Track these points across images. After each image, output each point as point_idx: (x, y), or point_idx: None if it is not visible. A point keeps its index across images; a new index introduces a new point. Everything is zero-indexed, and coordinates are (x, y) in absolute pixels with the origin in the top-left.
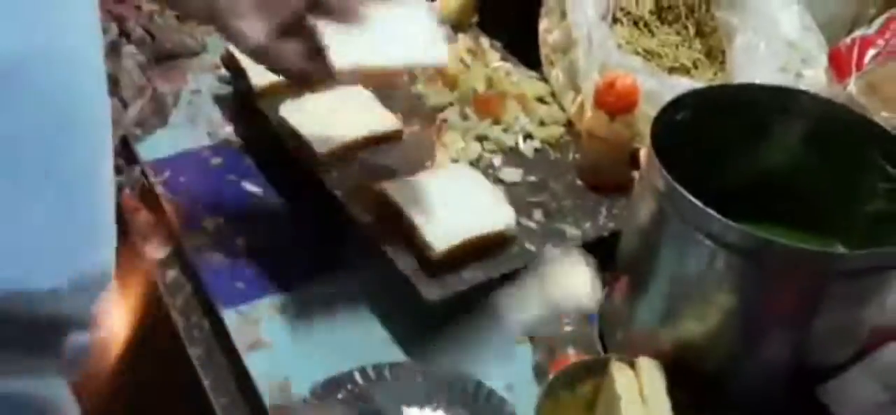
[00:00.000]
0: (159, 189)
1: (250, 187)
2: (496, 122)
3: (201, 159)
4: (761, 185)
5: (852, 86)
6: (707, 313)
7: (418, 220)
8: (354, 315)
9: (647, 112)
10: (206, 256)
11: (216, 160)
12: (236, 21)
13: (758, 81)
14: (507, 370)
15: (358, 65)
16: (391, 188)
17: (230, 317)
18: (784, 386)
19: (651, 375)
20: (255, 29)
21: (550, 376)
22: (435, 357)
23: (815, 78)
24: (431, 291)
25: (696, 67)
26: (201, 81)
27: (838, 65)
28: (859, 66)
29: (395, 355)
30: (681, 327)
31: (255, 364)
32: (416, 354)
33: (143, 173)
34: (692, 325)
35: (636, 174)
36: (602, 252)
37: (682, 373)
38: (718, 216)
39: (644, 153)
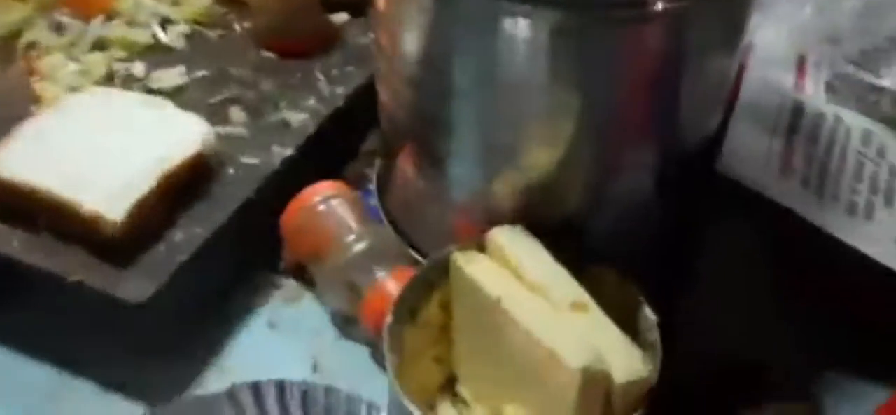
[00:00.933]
0: None
1: None
2: (109, 17)
3: None
4: None
5: None
6: (545, 123)
7: (66, 192)
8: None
9: None
10: None
11: None
12: None
13: None
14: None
15: None
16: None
17: None
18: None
19: (518, 244)
20: None
21: (372, 325)
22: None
23: None
24: (129, 290)
25: None
26: None
27: None
28: None
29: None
30: (517, 158)
31: None
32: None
33: None
34: (532, 150)
35: (337, 18)
36: (343, 133)
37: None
38: None
39: None
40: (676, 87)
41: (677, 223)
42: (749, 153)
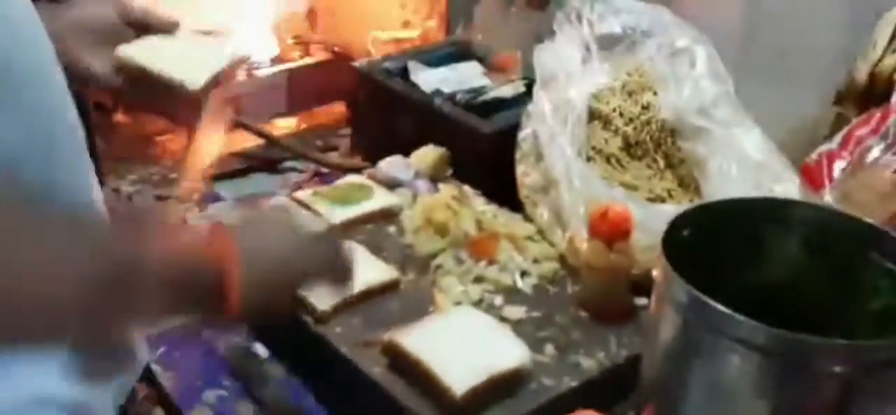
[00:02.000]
0: (154, 367)
1: (255, 349)
2: (491, 263)
3: (193, 332)
4: (762, 294)
5: (828, 196)
6: None
7: (434, 365)
8: None
9: (639, 239)
10: None
11: (208, 333)
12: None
13: None
14: None
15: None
16: (400, 337)
17: None
18: None
19: None
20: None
21: None
22: None
23: (789, 193)
24: None
25: (671, 196)
26: None
27: (811, 179)
28: (830, 179)
29: None
30: None
31: None
32: None
33: None
34: None
35: (639, 300)
36: (617, 383)
37: None
38: (747, 320)
39: (657, 273)
40: None
41: None
42: None
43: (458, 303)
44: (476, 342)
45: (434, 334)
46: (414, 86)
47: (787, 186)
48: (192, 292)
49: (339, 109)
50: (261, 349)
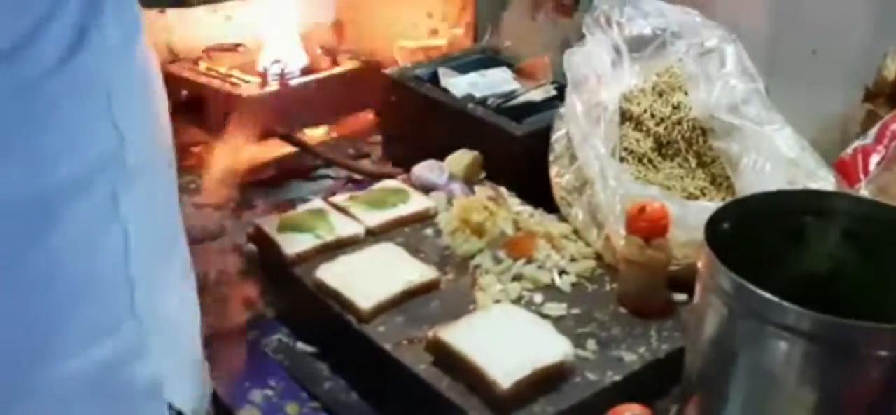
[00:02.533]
0: None
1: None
2: (529, 261)
3: (238, 336)
4: (803, 287)
5: (864, 190)
6: (793, 412)
7: (479, 359)
8: None
9: (676, 235)
10: None
11: (253, 334)
12: None
13: None
14: None
15: None
16: (444, 333)
17: None
18: None
19: None
20: None
21: None
22: None
23: (824, 188)
24: None
25: (704, 195)
26: (227, 262)
27: (846, 173)
28: (866, 173)
29: None
30: None
31: None
32: None
33: None
34: None
35: (677, 296)
36: (659, 377)
37: None
38: (793, 306)
39: (701, 263)
40: None
41: None
42: None
43: (498, 301)
44: (519, 337)
45: (477, 329)
46: (445, 91)
47: (822, 183)
48: None
49: (368, 117)
50: (306, 348)
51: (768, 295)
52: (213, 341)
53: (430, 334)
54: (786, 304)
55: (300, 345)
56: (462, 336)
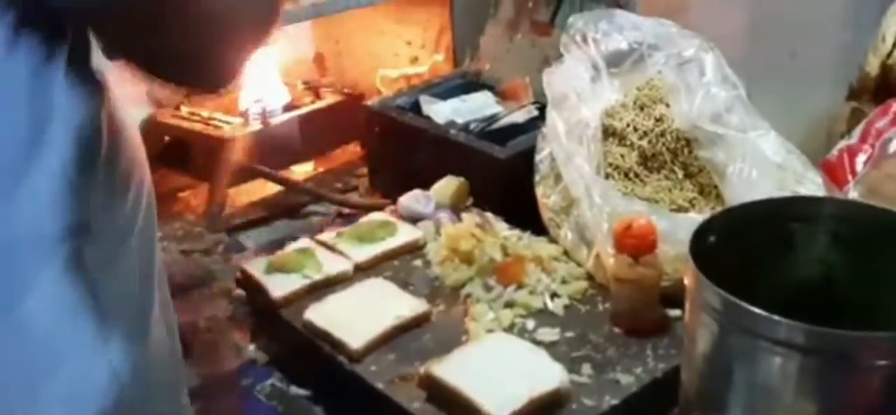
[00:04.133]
0: None
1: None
2: (520, 286)
3: (231, 383)
4: (795, 294)
5: (853, 191)
6: None
7: (473, 393)
8: None
9: (666, 250)
10: None
11: (246, 380)
12: None
13: None
14: None
15: None
16: (437, 368)
17: None
18: None
19: None
20: None
21: None
22: None
23: (813, 192)
24: None
25: (693, 206)
26: (217, 308)
27: (832, 175)
28: (853, 173)
29: None
30: None
31: None
32: None
33: None
34: None
35: (671, 312)
36: (658, 397)
37: None
38: (784, 320)
39: (688, 281)
40: None
41: None
42: None
43: (490, 330)
44: (513, 367)
45: (470, 362)
46: (427, 119)
47: (810, 186)
48: None
49: (353, 149)
50: (299, 391)
51: (757, 310)
52: (205, 390)
53: (422, 369)
54: (776, 318)
55: (294, 389)
56: (454, 370)
